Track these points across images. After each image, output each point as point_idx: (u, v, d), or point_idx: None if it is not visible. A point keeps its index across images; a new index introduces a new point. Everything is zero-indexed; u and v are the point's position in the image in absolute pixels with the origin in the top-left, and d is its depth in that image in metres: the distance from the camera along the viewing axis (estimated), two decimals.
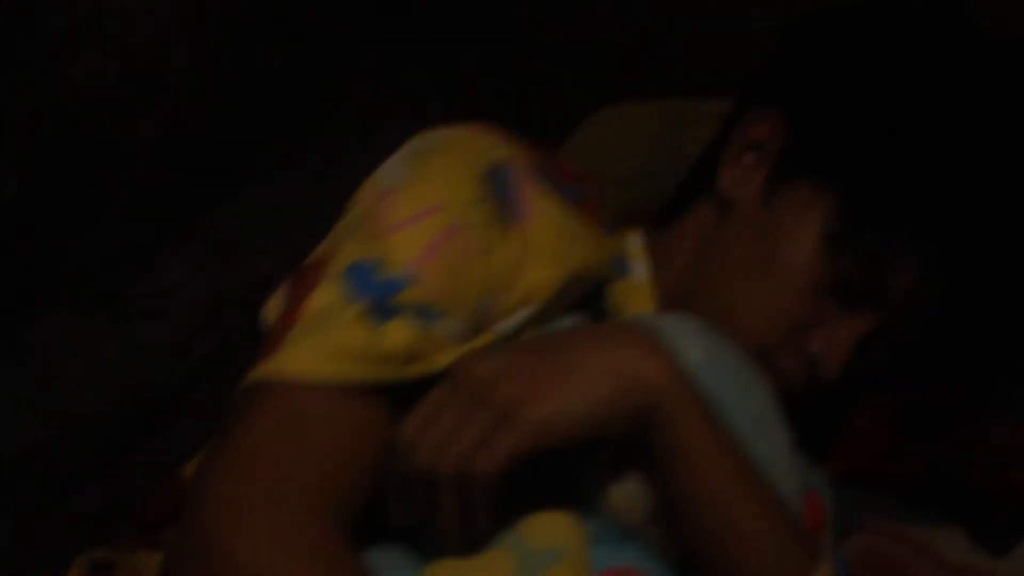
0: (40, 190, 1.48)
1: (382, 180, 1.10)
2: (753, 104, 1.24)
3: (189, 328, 1.66)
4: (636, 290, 1.21)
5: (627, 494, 1.03)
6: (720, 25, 1.65)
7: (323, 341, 0.98)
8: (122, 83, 1.51)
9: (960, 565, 1.28)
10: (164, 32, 1.53)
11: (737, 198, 1.20)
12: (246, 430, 0.98)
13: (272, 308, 1.12)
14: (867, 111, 1.17)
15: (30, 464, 1.52)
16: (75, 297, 1.55)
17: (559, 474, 1.03)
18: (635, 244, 1.24)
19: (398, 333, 0.99)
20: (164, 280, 1.62)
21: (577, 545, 1.01)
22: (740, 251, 1.18)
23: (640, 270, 1.22)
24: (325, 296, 1.01)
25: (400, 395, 1.01)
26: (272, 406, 0.98)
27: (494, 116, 1.80)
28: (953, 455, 1.23)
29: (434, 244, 1.02)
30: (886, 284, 1.14)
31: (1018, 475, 1.25)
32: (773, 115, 1.20)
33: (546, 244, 1.08)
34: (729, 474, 1.00)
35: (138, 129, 1.54)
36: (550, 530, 1.01)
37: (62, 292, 1.54)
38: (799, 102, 1.21)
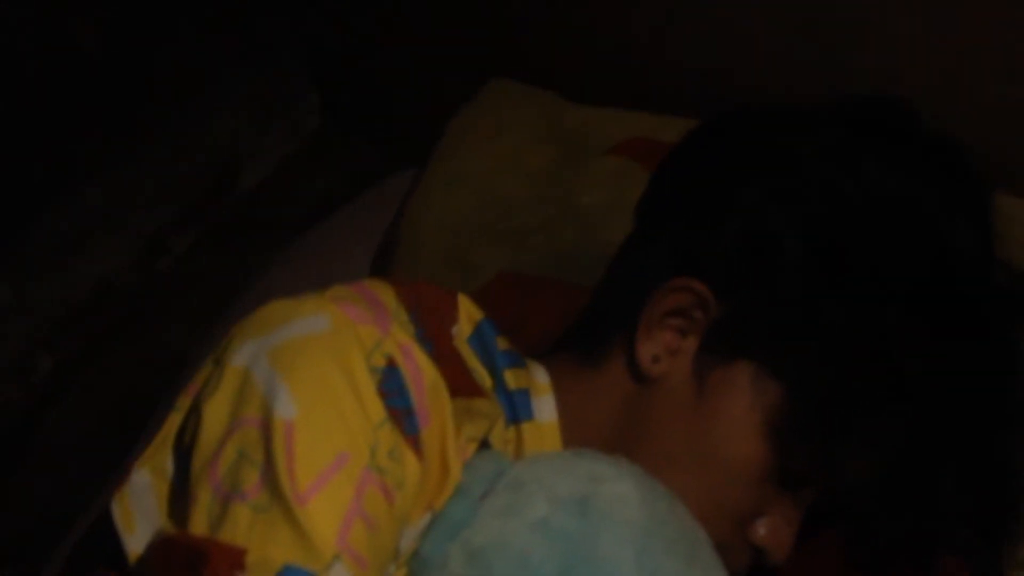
0: None
1: (263, 394, 0.92)
2: (665, 260, 1.07)
3: (29, 346, 1.56)
4: (545, 433, 1.08)
5: None
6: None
7: None
8: None
9: None
10: None
11: (662, 375, 1.06)
12: None
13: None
14: (819, 301, 1.03)
15: None
16: None
17: None
18: (542, 377, 1.10)
19: None
20: None
21: None
22: (674, 437, 1.05)
23: (547, 411, 1.09)
24: None
25: None
26: None
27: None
28: None
29: (350, 513, 0.91)
30: (832, 470, 1.04)
31: None
32: (698, 284, 1.04)
33: (440, 448, 0.98)
34: None
35: None
36: None
37: None
38: (735, 276, 1.05)
